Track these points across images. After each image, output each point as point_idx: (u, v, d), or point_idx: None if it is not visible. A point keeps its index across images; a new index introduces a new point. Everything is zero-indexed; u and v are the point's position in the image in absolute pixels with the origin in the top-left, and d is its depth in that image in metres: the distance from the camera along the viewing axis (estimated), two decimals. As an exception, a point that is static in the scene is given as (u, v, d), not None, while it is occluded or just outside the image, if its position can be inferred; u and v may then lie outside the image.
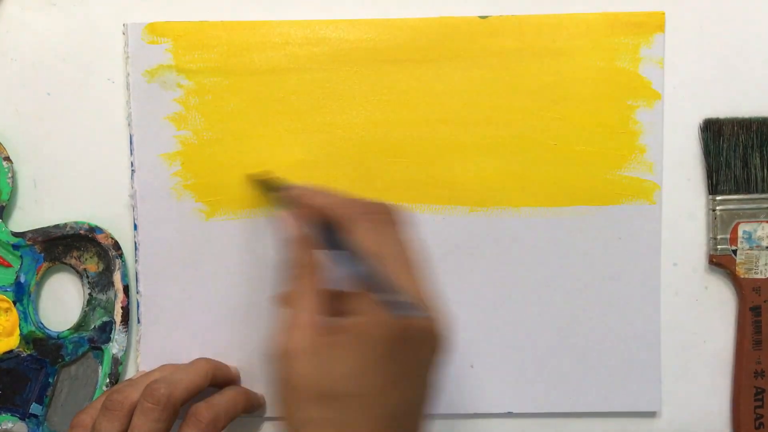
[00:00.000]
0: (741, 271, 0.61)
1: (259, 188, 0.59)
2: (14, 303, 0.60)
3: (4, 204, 0.60)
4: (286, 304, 0.49)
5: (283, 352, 0.46)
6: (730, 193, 0.61)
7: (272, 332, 0.48)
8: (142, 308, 0.61)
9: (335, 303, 0.48)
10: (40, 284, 0.62)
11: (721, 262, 0.61)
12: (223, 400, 0.57)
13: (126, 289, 0.61)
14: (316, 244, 0.50)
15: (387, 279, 0.47)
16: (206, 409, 0.55)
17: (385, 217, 0.50)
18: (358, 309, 0.46)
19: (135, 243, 0.60)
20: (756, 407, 0.61)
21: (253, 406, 0.60)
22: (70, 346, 0.61)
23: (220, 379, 0.59)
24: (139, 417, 0.53)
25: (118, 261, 0.60)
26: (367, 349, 0.45)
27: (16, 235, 0.60)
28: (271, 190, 0.57)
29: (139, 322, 0.61)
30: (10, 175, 0.59)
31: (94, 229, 0.60)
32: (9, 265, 0.60)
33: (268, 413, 0.62)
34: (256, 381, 0.61)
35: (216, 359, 0.60)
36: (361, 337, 0.45)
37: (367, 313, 0.46)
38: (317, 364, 0.45)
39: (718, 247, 0.61)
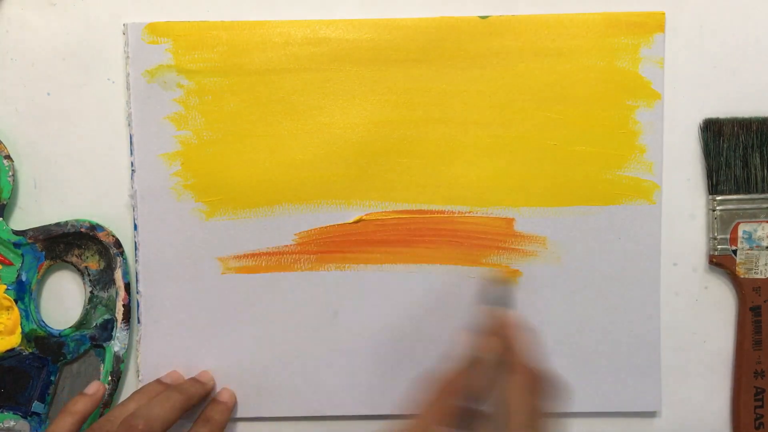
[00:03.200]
0: (741, 271, 0.61)
1: (491, 286, 0.59)
2: (16, 301, 0.60)
3: (5, 202, 0.60)
4: (417, 408, 0.50)
5: None
6: (730, 193, 0.61)
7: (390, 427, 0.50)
8: (142, 308, 0.61)
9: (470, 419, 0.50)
10: (41, 282, 0.62)
11: (721, 262, 0.61)
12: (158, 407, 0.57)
13: (127, 287, 0.61)
14: (478, 373, 0.51)
15: None
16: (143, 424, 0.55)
17: (544, 380, 0.51)
18: None
19: (135, 243, 0.61)
20: (756, 407, 0.61)
21: (195, 403, 0.60)
22: (72, 344, 0.61)
23: (193, 403, 0.59)
24: None
25: (119, 259, 0.60)
26: None
27: (17, 233, 0.60)
28: (495, 297, 0.57)
29: (139, 321, 0.61)
30: (10, 173, 0.60)
31: (95, 227, 0.60)
32: (10, 264, 0.60)
33: (241, 414, 0.62)
34: (253, 381, 0.62)
35: (193, 370, 0.61)
36: None
37: None
38: None
39: (718, 247, 0.61)
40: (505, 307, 0.56)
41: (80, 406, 0.58)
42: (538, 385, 0.50)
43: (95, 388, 0.59)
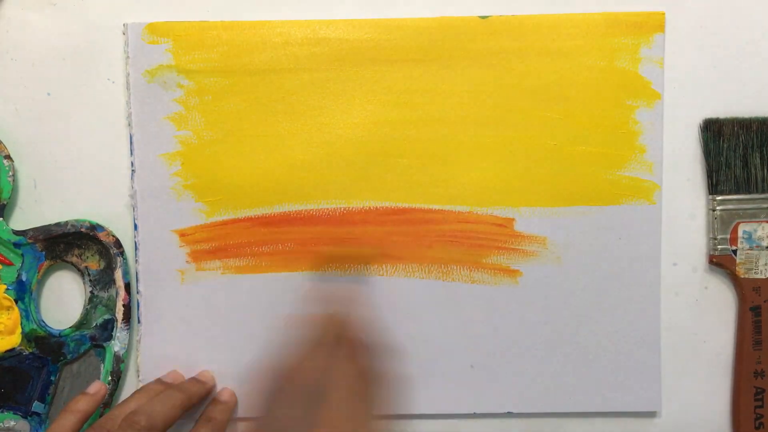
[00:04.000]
0: (741, 271, 0.61)
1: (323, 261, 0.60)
2: (16, 301, 0.60)
3: (5, 202, 0.60)
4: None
5: None
6: (730, 193, 0.61)
7: None
8: (142, 308, 0.61)
9: None
10: (41, 282, 0.62)
11: (721, 262, 0.61)
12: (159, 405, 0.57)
13: (127, 287, 0.61)
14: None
15: None
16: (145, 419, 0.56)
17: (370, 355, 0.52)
18: None
19: (135, 243, 0.61)
20: (756, 407, 0.61)
21: (195, 402, 0.60)
22: (72, 344, 0.61)
23: (194, 402, 0.59)
24: None
25: (119, 259, 0.60)
26: None
27: (17, 233, 0.60)
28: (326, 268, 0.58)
29: (139, 321, 0.61)
30: (10, 173, 0.60)
31: (95, 227, 0.60)
32: (10, 264, 0.60)
33: (241, 414, 0.62)
34: (251, 381, 0.62)
35: (193, 370, 0.62)
36: None
37: None
38: None
39: (718, 247, 0.61)
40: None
41: (82, 405, 0.58)
42: (363, 354, 0.51)
43: (97, 388, 0.59)
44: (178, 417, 0.57)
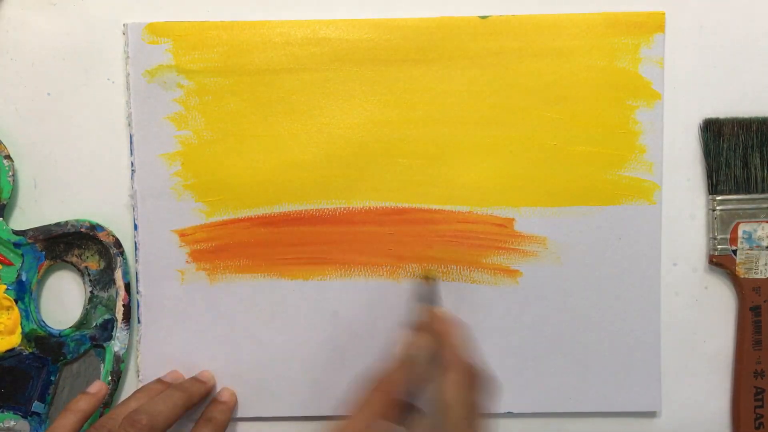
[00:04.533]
0: (741, 271, 0.61)
1: (419, 284, 0.60)
2: (16, 301, 0.60)
3: (5, 202, 0.60)
4: (352, 406, 0.51)
5: None
6: (730, 193, 0.61)
7: (330, 426, 0.50)
8: (142, 308, 0.61)
9: (404, 414, 0.51)
10: (41, 282, 0.62)
11: (721, 262, 0.61)
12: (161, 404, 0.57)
13: (127, 287, 0.61)
14: (418, 373, 0.52)
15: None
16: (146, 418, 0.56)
17: (479, 377, 0.52)
18: None
19: (135, 243, 0.61)
20: (756, 407, 0.61)
21: (196, 401, 0.60)
22: (72, 344, 0.61)
23: (194, 402, 0.59)
24: None
25: (119, 259, 0.60)
26: None
27: (17, 233, 0.60)
28: (420, 300, 0.58)
29: (139, 322, 0.61)
30: (10, 173, 0.60)
31: (95, 227, 0.60)
32: (10, 264, 0.60)
33: (241, 414, 0.62)
34: (253, 381, 0.62)
35: (193, 370, 0.62)
36: None
37: None
38: None
39: (718, 247, 0.61)
40: (433, 303, 0.57)
41: (82, 404, 0.58)
42: (474, 381, 0.51)
43: (97, 387, 0.59)
44: (178, 416, 0.57)
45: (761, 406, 0.61)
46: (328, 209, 0.61)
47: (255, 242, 0.61)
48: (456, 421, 0.49)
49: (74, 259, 0.61)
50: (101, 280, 0.61)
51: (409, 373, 0.52)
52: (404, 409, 0.51)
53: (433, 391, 0.50)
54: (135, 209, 0.60)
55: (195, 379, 0.61)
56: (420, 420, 0.50)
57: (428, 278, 0.59)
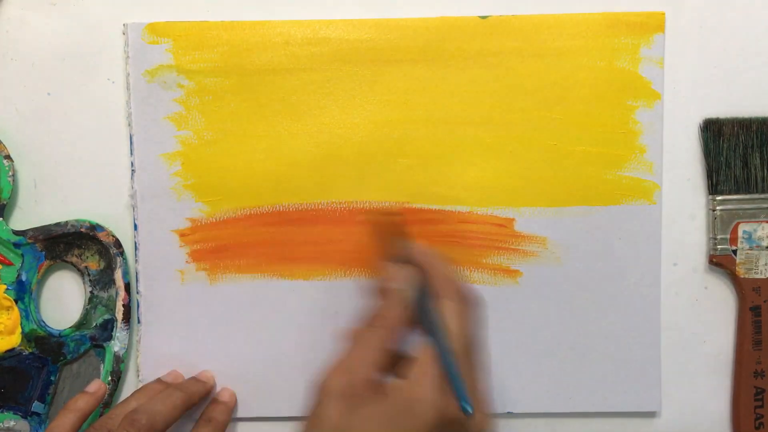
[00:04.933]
0: (741, 271, 0.61)
1: (379, 229, 0.59)
2: (16, 301, 0.60)
3: (5, 202, 0.60)
4: (349, 342, 0.50)
5: (322, 388, 0.47)
6: (730, 193, 0.61)
7: (324, 364, 0.48)
8: (142, 308, 0.61)
9: (394, 361, 0.49)
10: (41, 282, 0.62)
11: (721, 262, 0.61)
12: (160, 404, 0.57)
13: (127, 287, 0.61)
14: (410, 305, 0.51)
15: (455, 362, 0.47)
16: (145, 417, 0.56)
17: (472, 303, 0.51)
18: (411, 375, 0.47)
19: (135, 243, 0.61)
20: (756, 407, 0.61)
21: (196, 401, 0.60)
22: (72, 344, 0.61)
23: (194, 402, 0.59)
24: None
25: (119, 259, 0.60)
26: (399, 422, 0.46)
27: (17, 233, 0.60)
28: (391, 236, 0.57)
29: (139, 322, 0.61)
30: (10, 173, 0.60)
31: (95, 227, 0.60)
32: (10, 264, 0.60)
33: (241, 414, 0.62)
34: (253, 381, 0.62)
35: (193, 370, 0.62)
36: (399, 407, 0.46)
37: (417, 384, 0.47)
38: (347, 415, 0.46)
39: (718, 247, 0.61)
40: (403, 238, 0.56)
41: (82, 403, 0.58)
42: (468, 308, 0.50)
43: (96, 386, 0.59)
44: (178, 416, 0.57)
45: (761, 406, 0.61)
46: (328, 209, 0.61)
47: (255, 242, 0.61)
48: (460, 348, 0.48)
49: (74, 259, 0.61)
50: (101, 280, 0.61)
51: (402, 308, 0.51)
52: (396, 356, 0.50)
53: (429, 322, 0.49)
54: (135, 209, 0.60)
55: (195, 379, 0.61)
56: (417, 365, 0.48)
57: (392, 214, 0.59)
